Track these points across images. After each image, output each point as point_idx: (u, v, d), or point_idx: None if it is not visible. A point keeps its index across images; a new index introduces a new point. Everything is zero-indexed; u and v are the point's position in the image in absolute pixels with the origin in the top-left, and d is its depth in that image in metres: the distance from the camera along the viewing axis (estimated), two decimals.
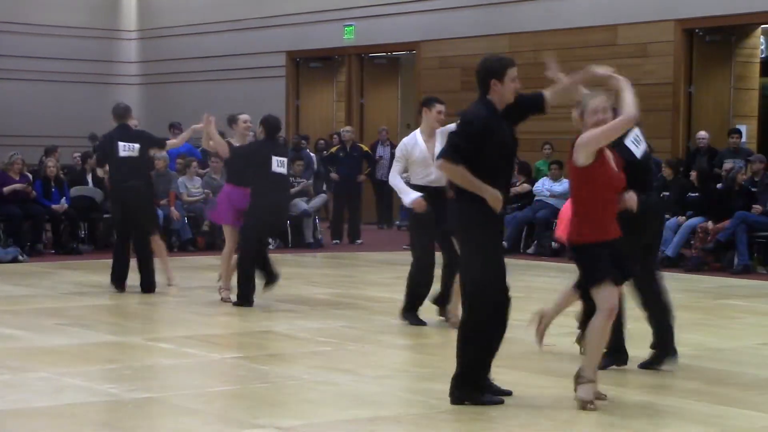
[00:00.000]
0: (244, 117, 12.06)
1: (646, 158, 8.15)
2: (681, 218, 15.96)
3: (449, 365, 7.42)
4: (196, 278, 14.09)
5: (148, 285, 12.41)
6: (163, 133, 16.59)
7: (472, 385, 7.05)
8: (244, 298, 11.43)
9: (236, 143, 11.93)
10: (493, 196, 6.90)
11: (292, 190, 19.11)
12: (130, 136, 12.43)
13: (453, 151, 7.02)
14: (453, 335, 9.31)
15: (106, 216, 17.05)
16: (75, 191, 17.67)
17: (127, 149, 12.26)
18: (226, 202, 11.82)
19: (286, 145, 21.05)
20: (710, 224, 15.76)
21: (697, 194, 16.36)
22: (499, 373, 7.46)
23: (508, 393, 7.24)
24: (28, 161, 18.04)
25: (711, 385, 7.87)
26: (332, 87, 24.95)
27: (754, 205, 15.58)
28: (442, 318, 10.31)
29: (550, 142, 19.03)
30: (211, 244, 17.97)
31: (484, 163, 6.96)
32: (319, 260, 17.26)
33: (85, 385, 7.61)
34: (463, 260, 7.21)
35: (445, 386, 7.16)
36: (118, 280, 12.50)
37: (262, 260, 11.64)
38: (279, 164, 11.49)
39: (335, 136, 21.94)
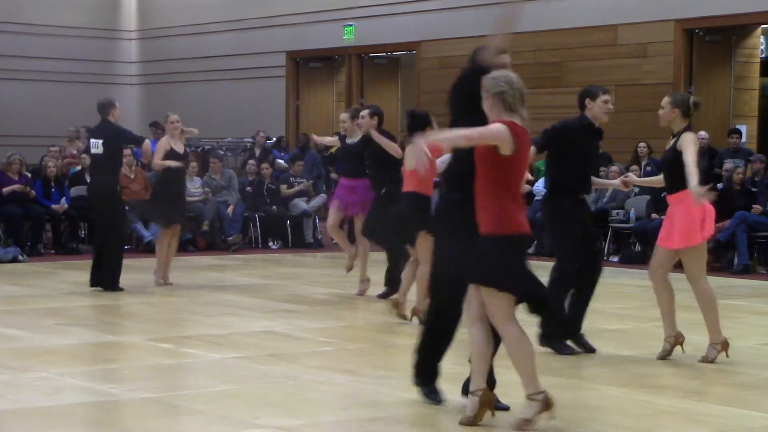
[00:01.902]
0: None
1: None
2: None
3: (449, 365, 7.41)
4: (196, 278, 14.09)
5: (104, 282, 12.40)
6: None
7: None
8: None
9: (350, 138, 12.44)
10: None
11: (292, 190, 19.16)
12: (97, 133, 12.57)
13: None
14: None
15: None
16: (75, 191, 17.67)
17: (94, 146, 12.49)
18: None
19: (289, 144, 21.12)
20: None
21: None
22: (499, 373, 7.44)
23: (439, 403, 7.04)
24: (28, 161, 18.04)
25: (711, 385, 7.87)
26: (332, 87, 24.94)
27: (754, 205, 15.58)
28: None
29: None
30: (211, 244, 17.99)
31: None
32: (319, 260, 17.25)
33: (85, 385, 7.61)
34: None
35: (445, 386, 7.15)
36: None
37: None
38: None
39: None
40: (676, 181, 8.47)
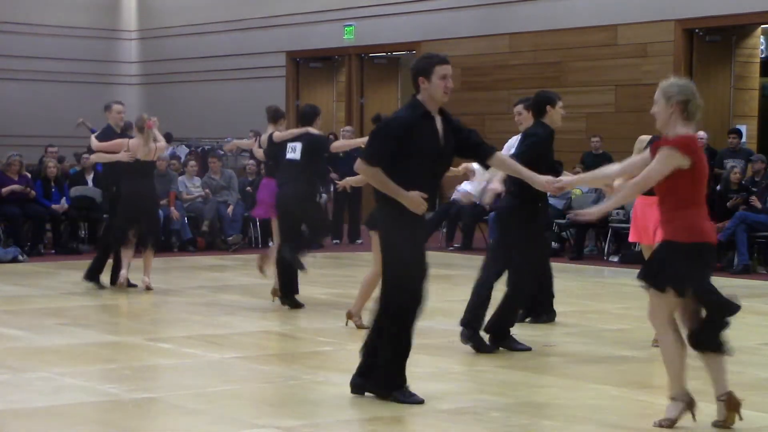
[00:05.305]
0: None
1: None
2: None
3: (449, 365, 7.45)
4: (196, 278, 14.10)
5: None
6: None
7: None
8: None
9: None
10: (410, 200, 6.76)
11: None
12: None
13: (369, 154, 6.91)
14: (453, 336, 9.31)
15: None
16: (75, 191, 17.67)
17: None
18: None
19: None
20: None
21: None
22: (501, 374, 7.46)
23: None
24: (28, 161, 18.03)
25: (711, 385, 7.86)
26: (332, 87, 24.94)
27: (751, 197, 15.57)
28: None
29: None
30: (211, 244, 17.98)
31: (402, 165, 6.84)
32: (319, 260, 17.24)
33: (85, 385, 7.61)
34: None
35: (445, 386, 7.16)
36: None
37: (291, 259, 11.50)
38: (291, 150, 11.23)
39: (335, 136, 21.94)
40: None
